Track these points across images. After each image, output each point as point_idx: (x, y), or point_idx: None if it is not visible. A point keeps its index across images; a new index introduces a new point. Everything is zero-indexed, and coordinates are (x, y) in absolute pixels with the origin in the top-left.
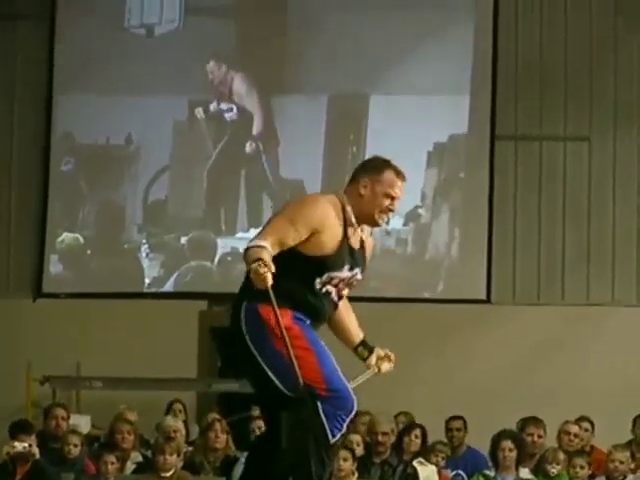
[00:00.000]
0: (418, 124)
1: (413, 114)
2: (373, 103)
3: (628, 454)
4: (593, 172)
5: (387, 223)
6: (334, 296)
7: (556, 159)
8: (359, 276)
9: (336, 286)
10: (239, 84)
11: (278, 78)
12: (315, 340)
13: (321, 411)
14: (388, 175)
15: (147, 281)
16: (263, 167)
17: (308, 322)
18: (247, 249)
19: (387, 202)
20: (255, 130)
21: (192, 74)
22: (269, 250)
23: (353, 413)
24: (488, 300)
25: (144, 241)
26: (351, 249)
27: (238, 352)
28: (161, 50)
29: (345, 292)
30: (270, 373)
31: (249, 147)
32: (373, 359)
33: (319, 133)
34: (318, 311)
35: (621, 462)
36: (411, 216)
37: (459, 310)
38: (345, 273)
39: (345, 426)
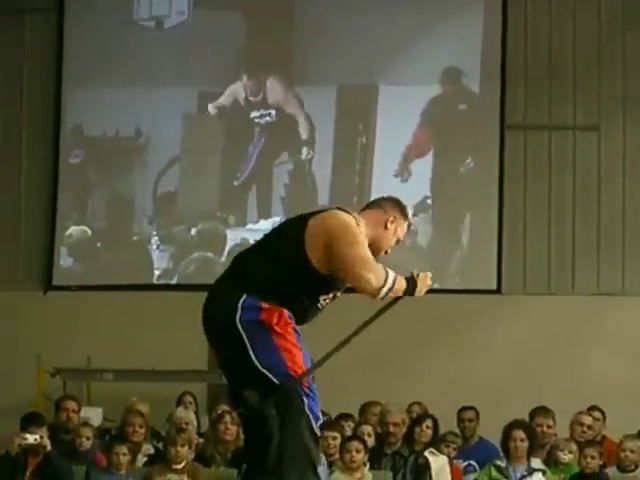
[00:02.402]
0: (427, 114)
1: (423, 104)
2: (382, 94)
3: (639, 444)
4: (602, 161)
5: None
6: (324, 306)
7: (566, 148)
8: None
9: (332, 299)
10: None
11: (287, 69)
12: (301, 340)
13: (306, 407)
14: (407, 224)
15: (157, 273)
16: (273, 159)
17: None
18: (385, 291)
19: (394, 243)
20: (264, 122)
21: (201, 66)
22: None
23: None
24: (499, 290)
25: (154, 233)
26: None
27: (228, 344)
28: (170, 42)
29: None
30: (260, 366)
31: (258, 139)
32: None
33: (329, 124)
34: (307, 320)
35: (632, 451)
36: (421, 207)
37: (470, 300)
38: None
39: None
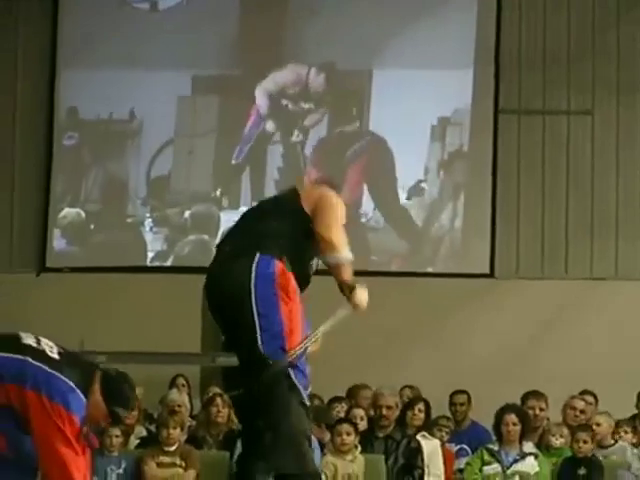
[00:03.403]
0: (421, 98)
1: (417, 88)
2: (376, 77)
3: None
4: (596, 146)
5: None
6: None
7: (559, 133)
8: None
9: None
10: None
11: (281, 52)
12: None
13: (295, 379)
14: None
15: (150, 255)
16: (266, 141)
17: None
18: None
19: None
20: (258, 104)
21: (196, 48)
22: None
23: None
24: (492, 274)
25: (147, 215)
26: None
27: (234, 303)
28: (165, 24)
29: None
30: (258, 330)
31: (252, 121)
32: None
33: (322, 108)
34: (307, 281)
35: (598, 424)
36: (414, 190)
37: (463, 284)
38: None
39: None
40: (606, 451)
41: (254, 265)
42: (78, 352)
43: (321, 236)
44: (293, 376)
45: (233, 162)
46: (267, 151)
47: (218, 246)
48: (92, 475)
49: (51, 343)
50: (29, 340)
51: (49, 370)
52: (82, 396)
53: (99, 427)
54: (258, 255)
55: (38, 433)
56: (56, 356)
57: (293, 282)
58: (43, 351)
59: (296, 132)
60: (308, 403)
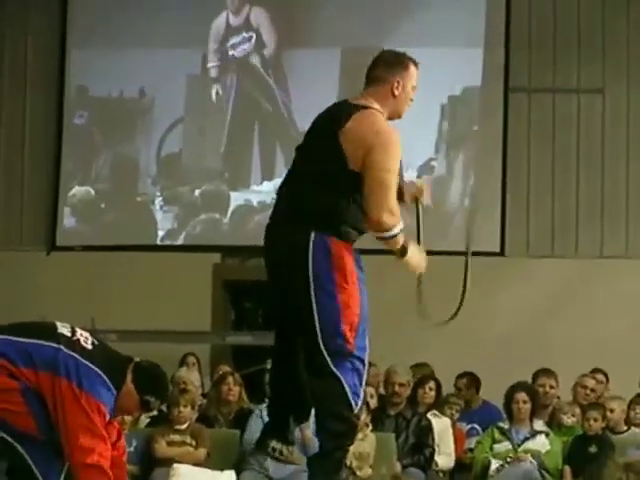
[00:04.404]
0: (432, 76)
1: (427, 66)
2: None
3: (624, 406)
4: (606, 124)
5: None
6: None
7: (569, 111)
8: None
9: None
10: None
11: (291, 31)
12: (364, 295)
13: (340, 375)
14: (413, 68)
15: (161, 234)
16: (277, 120)
17: (359, 257)
18: (388, 235)
19: (412, 94)
20: (269, 84)
21: (206, 26)
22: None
23: (365, 378)
24: (502, 253)
25: (158, 194)
26: None
27: (291, 281)
28: (175, 2)
29: None
30: (316, 316)
31: (263, 100)
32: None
33: (333, 86)
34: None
35: (611, 410)
36: (425, 169)
37: (473, 263)
38: None
39: (363, 390)
40: (618, 437)
41: (310, 245)
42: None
43: (368, 216)
44: (341, 376)
45: (244, 140)
46: (278, 129)
47: (280, 189)
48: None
49: (86, 334)
50: (64, 330)
51: (82, 360)
52: (112, 387)
53: (132, 414)
54: (313, 234)
55: (65, 419)
56: (90, 347)
57: (351, 262)
58: (77, 341)
59: (307, 111)
60: (355, 408)
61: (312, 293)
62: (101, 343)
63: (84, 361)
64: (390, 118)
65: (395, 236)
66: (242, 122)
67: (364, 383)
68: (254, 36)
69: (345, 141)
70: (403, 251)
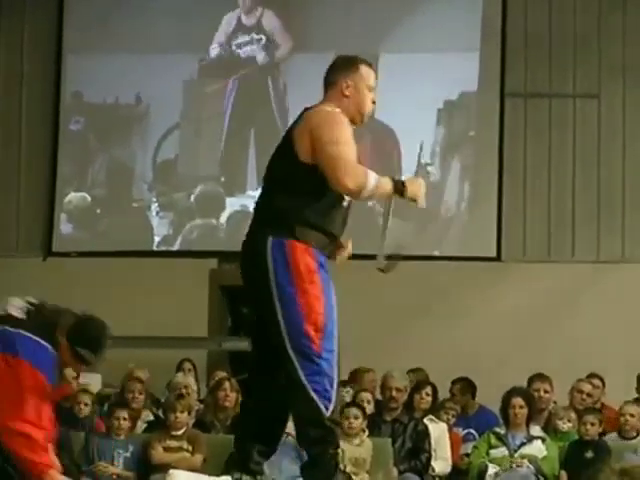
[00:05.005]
0: (428, 82)
1: (423, 72)
2: (383, 61)
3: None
4: (602, 129)
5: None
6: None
7: (566, 116)
8: None
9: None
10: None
11: (288, 35)
12: (330, 295)
13: (303, 376)
14: (365, 69)
15: (157, 239)
16: (273, 125)
17: (323, 258)
18: (366, 194)
19: (371, 95)
20: (265, 89)
21: (202, 32)
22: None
23: (336, 380)
24: (498, 258)
25: (154, 199)
26: None
27: (257, 290)
28: (171, 8)
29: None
30: (282, 321)
31: (259, 105)
32: None
33: None
34: (340, 228)
35: (632, 415)
36: (421, 174)
37: (469, 268)
38: None
39: (334, 392)
40: (630, 442)
41: (268, 251)
42: (49, 304)
43: (339, 190)
44: (305, 380)
45: (239, 146)
46: (275, 134)
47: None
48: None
49: (21, 303)
50: None
51: (12, 330)
52: (49, 346)
53: (77, 371)
54: (270, 239)
55: (2, 389)
56: (22, 315)
57: (311, 262)
58: (8, 314)
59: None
60: (326, 414)
61: (275, 299)
62: (36, 306)
63: (15, 330)
64: (353, 121)
65: (373, 190)
66: (238, 127)
67: (335, 385)
68: (255, 39)
69: (295, 138)
70: (398, 189)
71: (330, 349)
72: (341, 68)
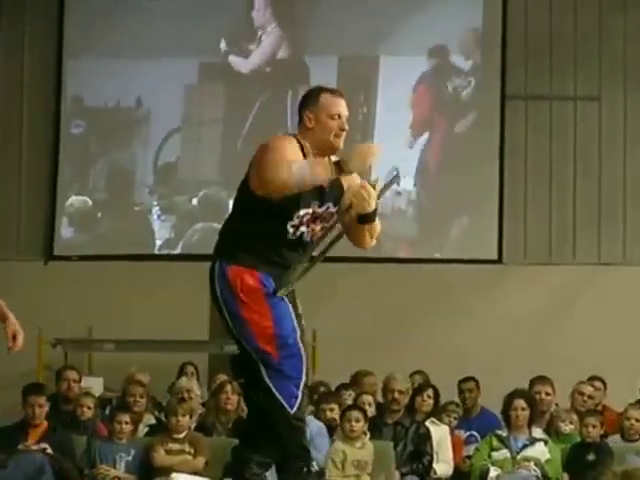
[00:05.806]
0: (428, 84)
1: (423, 75)
2: (383, 64)
3: None
4: (603, 131)
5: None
6: (307, 237)
7: (566, 118)
8: (332, 209)
9: (307, 225)
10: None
11: (289, 39)
12: (277, 305)
13: (268, 380)
14: (324, 98)
15: (158, 243)
16: (273, 128)
17: (274, 284)
18: (295, 180)
19: (336, 123)
20: (267, 92)
21: (203, 36)
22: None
23: (304, 380)
24: (499, 260)
25: (155, 203)
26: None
27: (219, 313)
28: (172, 12)
29: (318, 228)
30: (241, 338)
31: (260, 109)
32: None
33: None
34: (289, 261)
35: (637, 420)
36: (422, 176)
37: (470, 270)
38: (315, 209)
39: (301, 392)
40: (632, 445)
41: (215, 275)
42: None
43: (265, 189)
44: (267, 379)
45: (239, 149)
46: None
47: None
48: None
49: None
50: None
51: None
52: None
53: None
54: (218, 264)
55: None
56: None
57: (252, 280)
58: None
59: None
60: (291, 411)
61: (229, 321)
62: None
63: None
64: (323, 152)
65: (303, 175)
66: (238, 131)
67: (302, 385)
68: (256, 43)
69: (249, 167)
70: (347, 167)
71: (289, 354)
72: (303, 102)
